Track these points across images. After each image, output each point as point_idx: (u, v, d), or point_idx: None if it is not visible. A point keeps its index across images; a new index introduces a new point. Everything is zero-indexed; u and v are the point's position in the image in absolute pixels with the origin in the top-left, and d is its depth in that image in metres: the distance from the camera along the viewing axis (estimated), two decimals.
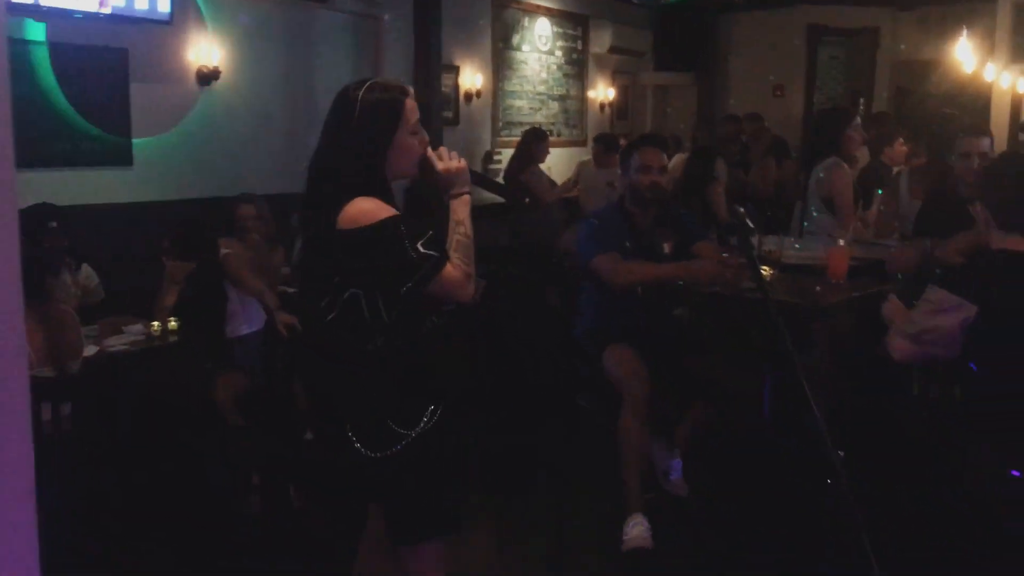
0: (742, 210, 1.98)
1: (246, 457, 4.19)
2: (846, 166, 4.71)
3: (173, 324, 4.11)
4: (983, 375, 2.57)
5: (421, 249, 2.13)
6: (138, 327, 4.10)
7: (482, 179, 7.84)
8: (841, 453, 1.75)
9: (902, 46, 10.17)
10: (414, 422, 2.21)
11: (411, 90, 2.31)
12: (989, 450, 2.55)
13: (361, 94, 2.20)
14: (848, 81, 10.69)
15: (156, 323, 4.06)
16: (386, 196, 2.23)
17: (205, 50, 5.83)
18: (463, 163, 2.32)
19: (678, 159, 7.02)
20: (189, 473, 4.06)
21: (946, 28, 8.77)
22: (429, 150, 2.30)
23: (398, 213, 2.18)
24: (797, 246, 4.23)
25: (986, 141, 4.24)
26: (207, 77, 5.84)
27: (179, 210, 5.18)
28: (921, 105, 8.87)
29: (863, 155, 5.96)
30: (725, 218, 5.83)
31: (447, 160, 2.31)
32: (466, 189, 2.32)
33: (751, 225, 1.93)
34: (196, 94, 5.84)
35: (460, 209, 2.30)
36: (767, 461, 3.55)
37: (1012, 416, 2.51)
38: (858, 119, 4.97)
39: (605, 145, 7.51)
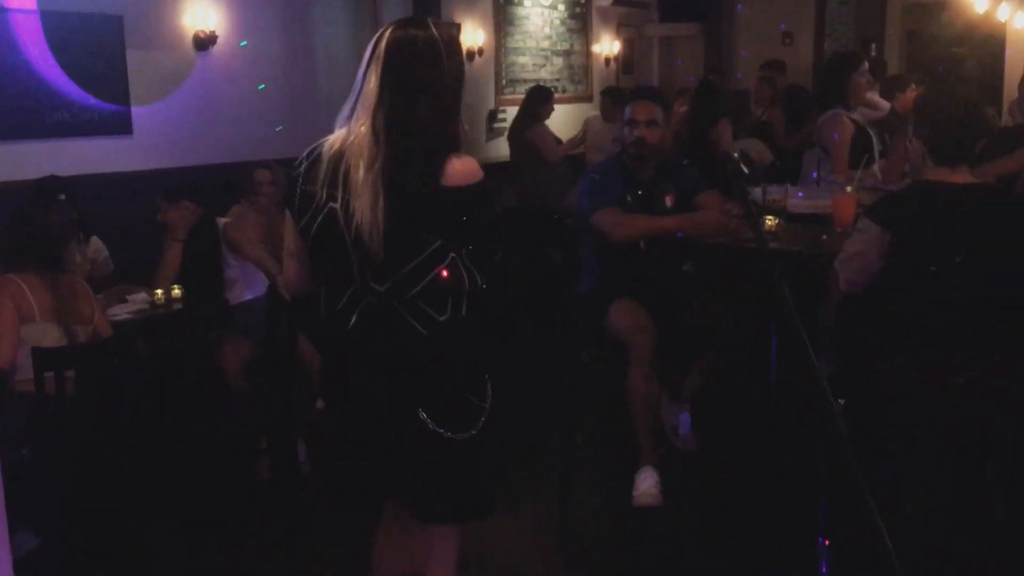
0: (736, 155, 1.93)
1: (253, 421, 4.20)
2: (846, 116, 4.63)
3: (177, 292, 4.09)
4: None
5: None
6: (142, 296, 4.10)
7: None
8: (841, 401, 1.72)
9: None
10: (485, 394, 2.15)
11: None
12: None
13: (436, 32, 2.03)
14: (859, 26, 10.49)
15: (160, 291, 4.05)
16: None
17: (201, 14, 5.75)
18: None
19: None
20: (195, 439, 4.07)
21: None
22: None
23: None
24: (800, 195, 4.16)
25: None
26: (204, 42, 5.77)
27: (180, 177, 5.14)
28: (930, 48, 8.70)
29: (881, 104, 5.87)
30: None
31: None
32: None
33: (746, 170, 1.88)
34: (193, 59, 5.78)
35: None
36: (773, 414, 3.52)
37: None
38: (865, 64, 4.87)
39: (613, 99, 7.44)
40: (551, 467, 3.88)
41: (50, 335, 3.26)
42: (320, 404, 4.54)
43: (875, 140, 4.84)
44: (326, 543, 3.46)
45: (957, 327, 2.60)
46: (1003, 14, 8.34)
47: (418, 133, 1.99)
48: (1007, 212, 2.71)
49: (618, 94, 7.53)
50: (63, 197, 4.21)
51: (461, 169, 1.99)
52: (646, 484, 3.45)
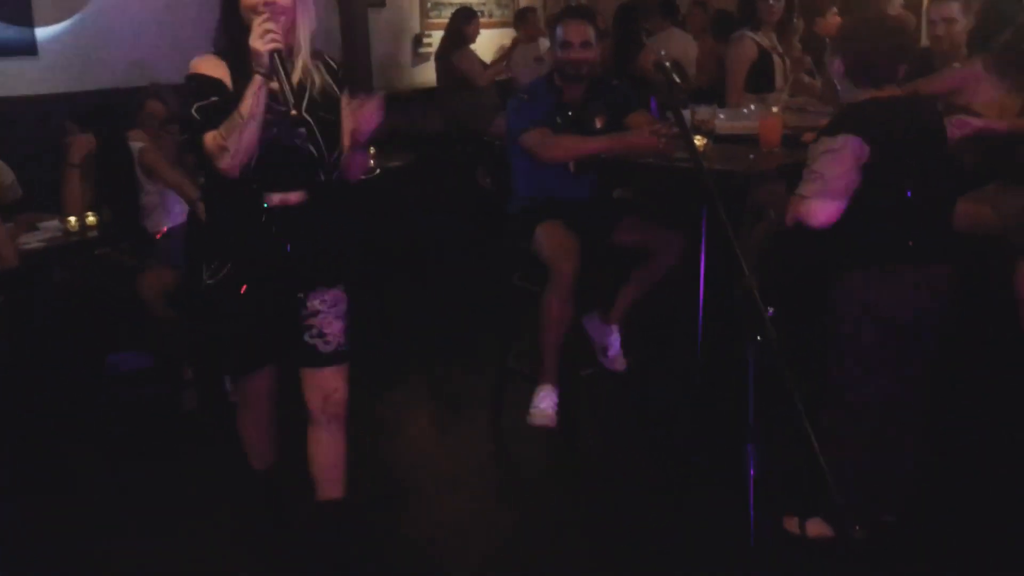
0: (668, 64, 1.89)
1: (177, 351, 4.11)
2: (750, 38, 4.66)
3: (92, 219, 3.95)
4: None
5: (194, 112, 2.33)
6: (54, 223, 3.95)
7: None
8: (771, 310, 1.73)
9: None
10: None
11: None
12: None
13: None
14: None
15: (73, 219, 3.89)
16: (238, 60, 2.32)
17: None
18: (267, 47, 2.25)
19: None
20: (118, 369, 3.98)
21: None
22: (258, 23, 2.27)
23: (210, 76, 2.34)
24: (722, 116, 4.17)
25: (954, 6, 4.13)
26: None
27: (88, 100, 4.93)
28: None
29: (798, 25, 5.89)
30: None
31: (257, 39, 2.26)
32: (260, 70, 2.27)
33: (678, 81, 1.85)
34: None
35: (248, 87, 2.29)
36: (701, 332, 3.57)
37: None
38: None
39: (522, 19, 7.57)
40: (484, 388, 3.91)
41: None
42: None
43: (781, 65, 4.88)
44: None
45: (920, 241, 2.63)
46: None
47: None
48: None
49: (525, 13, 7.71)
50: None
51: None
52: (544, 404, 3.49)
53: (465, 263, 5.73)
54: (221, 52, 2.41)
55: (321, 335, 2.58)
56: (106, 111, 4.43)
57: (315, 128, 2.42)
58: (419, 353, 4.65)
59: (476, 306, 4.92)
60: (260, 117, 2.28)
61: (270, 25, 2.26)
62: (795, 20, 5.97)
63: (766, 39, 4.92)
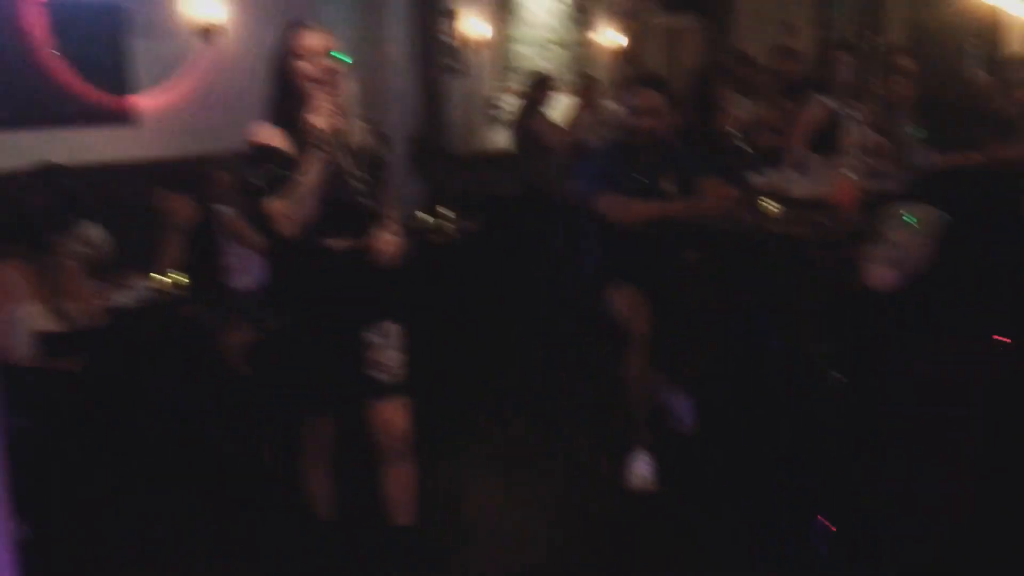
0: (735, 132, 1.93)
1: (256, 404, 4.21)
2: (820, 100, 4.66)
3: (178, 278, 4.11)
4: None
5: (257, 180, 2.47)
6: (143, 283, 4.11)
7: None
8: (838, 376, 1.72)
9: None
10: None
11: (307, 26, 2.63)
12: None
13: None
14: (861, 15, 10.45)
15: (160, 277, 4.06)
16: (294, 128, 2.48)
17: (204, 3, 5.75)
18: (328, 124, 2.40)
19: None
20: (198, 424, 4.08)
21: None
22: (319, 101, 2.42)
23: (271, 145, 2.47)
24: (798, 177, 4.16)
25: None
26: (207, 31, 5.78)
27: (182, 167, 5.16)
28: (934, 36, 8.66)
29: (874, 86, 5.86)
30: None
31: (319, 117, 2.41)
32: (320, 146, 2.41)
33: (747, 149, 1.88)
34: (196, 48, 5.78)
35: (309, 161, 2.43)
36: (775, 398, 3.53)
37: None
38: (849, 52, 4.87)
39: (583, 86, 7.79)
40: (556, 446, 3.91)
41: (41, 318, 3.26)
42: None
43: (852, 129, 4.84)
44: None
45: (989, 311, 2.57)
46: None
47: None
48: None
49: (593, 82, 7.89)
50: (60, 182, 4.22)
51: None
52: (640, 467, 3.49)
53: (540, 324, 5.76)
54: (276, 121, 2.55)
55: (378, 365, 2.67)
56: (198, 176, 4.62)
57: (367, 185, 2.59)
58: (495, 410, 4.66)
59: (551, 365, 4.93)
60: (319, 187, 2.42)
61: (331, 105, 2.39)
62: (870, 82, 5.95)
63: (838, 101, 4.90)
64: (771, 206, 3.69)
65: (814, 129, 4.81)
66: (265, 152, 2.49)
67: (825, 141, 4.84)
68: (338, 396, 2.78)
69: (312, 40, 2.56)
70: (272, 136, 2.52)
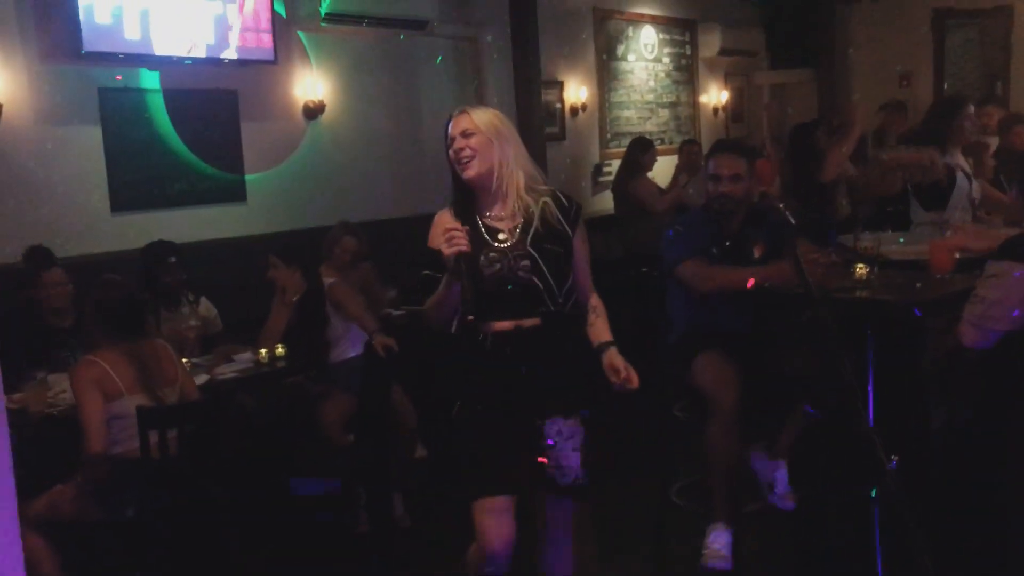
0: (781, 206, 1.91)
1: (354, 474, 4.30)
2: (931, 154, 4.49)
3: (280, 351, 4.26)
4: None
5: (422, 276, 2.60)
6: (247, 355, 4.26)
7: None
8: (893, 461, 1.65)
9: None
10: None
11: (455, 113, 2.61)
12: None
13: None
14: (984, 63, 10.10)
15: (264, 350, 4.21)
16: (462, 206, 2.61)
17: (310, 85, 6.05)
18: (450, 251, 2.43)
19: None
20: (297, 494, 4.20)
21: None
22: (443, 231, 2.49)
23: (434, 248, 2.51)
24: (901, 240, 4.03)
25: None
26: (313, 111, 6.07)
27: (290, 240, 5.39)
28: None
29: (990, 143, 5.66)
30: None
31: (443, 244, 2.44)
32: (450, 268, 2.46)
33: (792, 221, 1.86)
34: (303, 128, 6.08)
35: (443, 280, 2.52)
36: (874, 468, 3.38)
37: None
38: (970, 108, 4.69)
39: (681, 150, 7.81)
40: (644, 520, 3.84)
41: (137, 406, 3.32)
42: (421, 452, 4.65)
43: (969, 187, 4.63)
44: None
45: None
46: None
47: None
48: None
49: (690, 146, 7.82)
50: (172, 260, 4.45)
51: None
52: (717, 544, 3.37)
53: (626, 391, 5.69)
54: (453, 204, 2.65)
55: (559, 467, 2.62)
56: (305, 249, 4.80)
57: (539, 260, 2.54)
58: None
59: (636, 436, 4.87)
60: (448, 300, 2.50)
61: (456, 232, 2.42)
62: (986, 138, 5.73)
63: (953, 158, 4.73)
64: (861, 269, 3.58)
65: (927, 184, 4.66)
66: (430, 254, 2.57)
67: (937, 196, 4.68)
68: (513, 482, 2.61)
69: (453, 127, 2.58)
70: (445, 222, 2.55)
